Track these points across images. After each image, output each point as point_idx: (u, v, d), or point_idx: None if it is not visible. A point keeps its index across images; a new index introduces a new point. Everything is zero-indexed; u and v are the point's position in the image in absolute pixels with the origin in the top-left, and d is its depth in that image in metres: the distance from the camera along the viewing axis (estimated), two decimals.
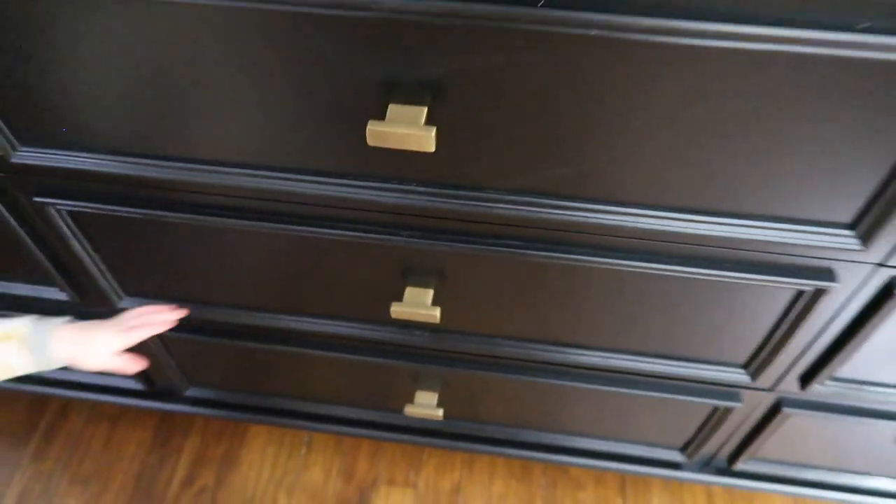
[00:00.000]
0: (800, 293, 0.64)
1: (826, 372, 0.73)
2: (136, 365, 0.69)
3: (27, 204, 0.69)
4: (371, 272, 0.70)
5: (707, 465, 0.99)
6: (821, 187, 0.53)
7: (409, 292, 0.70)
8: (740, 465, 0.97)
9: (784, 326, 0.68)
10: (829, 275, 0.61)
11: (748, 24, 0.43)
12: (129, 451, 1.15)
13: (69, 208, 0.68)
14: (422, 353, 0.83)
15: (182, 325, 0.74)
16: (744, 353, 0.74)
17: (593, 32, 0.45)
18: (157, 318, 0.71)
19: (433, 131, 0.50)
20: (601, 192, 0.57)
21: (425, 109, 0.50)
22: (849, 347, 0.69)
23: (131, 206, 0.66)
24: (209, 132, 0.57)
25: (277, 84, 0.52)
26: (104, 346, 0.66)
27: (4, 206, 0.69)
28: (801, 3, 0.42)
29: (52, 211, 0.68)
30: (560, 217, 0.58)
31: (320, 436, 1.18)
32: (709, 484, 1.02)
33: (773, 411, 0.83)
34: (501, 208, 0.58)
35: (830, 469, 0.96)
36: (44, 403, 1.19)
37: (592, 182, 0.56)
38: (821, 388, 0.77)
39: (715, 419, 0.87)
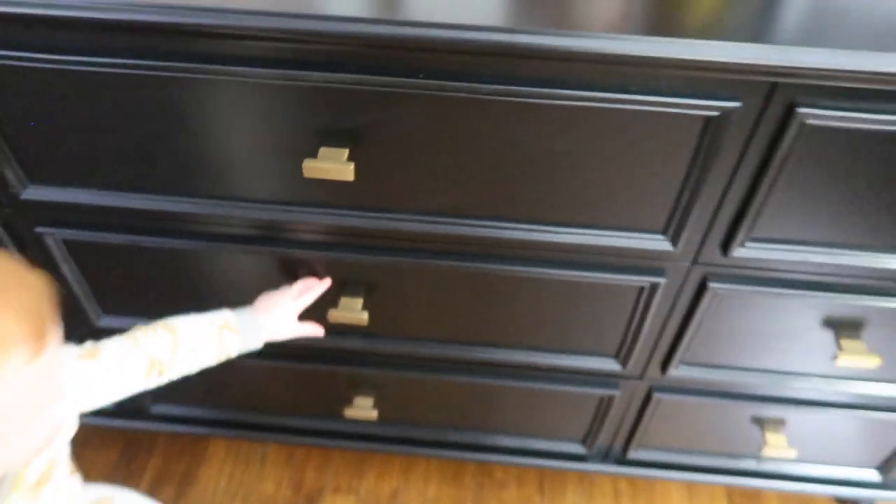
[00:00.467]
0: (641, 289, 0.83)
1: (677, 357, 0.93)
2: (321, 329, 0.82)
3: (27, 234, 0.85)
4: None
5: (606, 456, 1.17)
6: (641, 204, 0.74)
7: (343, 301, 0.88)
8: (634, 454, 1.15)
9: (636, 318, 0.87)
10: (659, 272, 0.81)
11: (573, 89, 0.63)
12: (96, 471, 1.27)
13: (65, 237, 0.84)
14: (356, 356, 1.00)
15: None
16: (613, 344, 0.93)
17: (461, 95, 0.65)
18: (314, 283, 0.84)
19: (351, 166, 0.69)
20: (483, 212, 0.76)
21: (347, 150, 0.69)
22: (688, 334, 0.88)
23: (119, 232, 0.82)
24: (187, 171, 0.75)
25: (240, 136, 0.71)
26: (288, 316, 0.80)
27: (9, 237, 0.85)
28: (604, 74, 0.63)
29: (50, 240, 0.84)
30: (453, 232, 0.77)
31: (273, 452, 1.31)
32: (609, 474, 1.19)
33: (647, 398, 1.02)
34: (407, 226, 0.77)
35: (715, 454, 1.14)
36: None
37: (475, 204, 0.75)
38: (677, 373, 0.96)
39: (602, 409, 1.05)
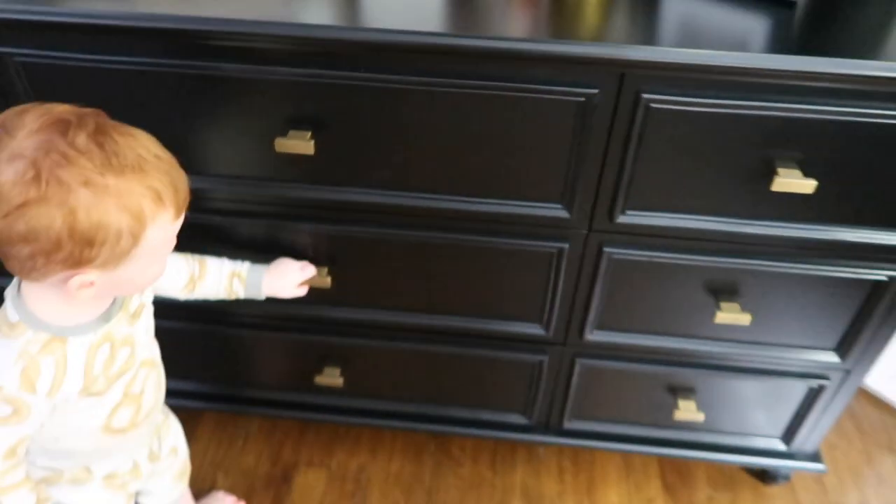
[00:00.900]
0: (551, 255, 1.02)
1: (590, 322, 1.10)
2: (305, 290, 1.06)
3: None
4: (283, 254, 1.07)
5: (547, 428, 1.32)
6: (540, 177, 0.93)
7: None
8: (570, 425, 1.31)
9: (551, 283, 1.06)
10: (563, 239, 1.00)
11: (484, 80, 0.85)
12: None
13: None
14: (323, 325, 1.18)
15: None
16: (536, 309, 1.11)
17: (393, 86, 0.86)
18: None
19: (312, 142, 0.89)
20: (417, 185, 0.96)
21: (310, 132, 0.90)
22: (595, 299, 1.07)
23: None
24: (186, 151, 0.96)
25: (227, 122, 0.92)
26: (293, 280, 1.04)
27: None
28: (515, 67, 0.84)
29: None
30: (392, 202, 0.97)
31: (255, 430, 1.47)
32: (549, 444, 1.34)
33: (571, 365, 1.19)
34: (357, 197, 0.97)
35: (641, 424, 1.30)
36: None
37: (410, 178, 0.95)
38: (593, 338, 1.13)
39: (536, 376, 1.22)
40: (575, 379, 1.21)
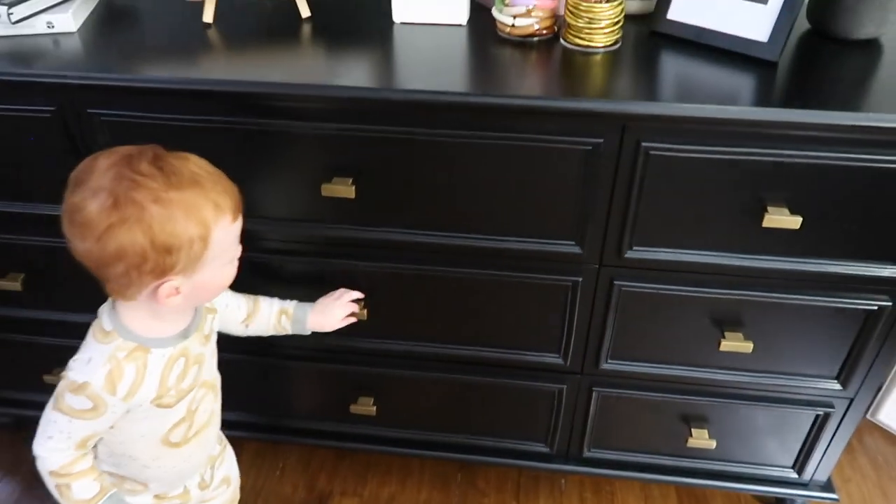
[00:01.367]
0: (567, 287, 1.12)
1: (604, 351, 1.20)
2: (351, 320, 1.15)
3: None
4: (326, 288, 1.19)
5: (567, 456, 1.40)
6: (555, 217, 1.04)
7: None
8: (589, 454, 1.38)
9: (568, 315, 1.16)
10: (577, 273, 1.10)
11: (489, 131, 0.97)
12: None
13: None
14: (358, 356, 1.28)
15: None
16: (555, 340, 1.20)
17: (423, 138, 0.99)
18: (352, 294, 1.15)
19: (353, 187, 1.02)
20: (446, 225, 1.08)
21: (352, 178, 1.03)
22: (608, 329, 1.16)
23: None
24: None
25: (279, 171, 1.05)
26: (337, 315, 1.12)
27: None
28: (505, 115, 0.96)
29: None
30: (422, 241, 1.09)
31: (292, 461, 1.57)
32: (570, 472, 1.42)
33: (589, 393, 1.28)
34: (391, 236, 1.09)
35: (658, 453, 1.36)
36: None
37: (439, 219, 1.07)
38: (608, 367, 1.22)
39: (556, 405, 1.30)
40: (592, 407, 1.29)
